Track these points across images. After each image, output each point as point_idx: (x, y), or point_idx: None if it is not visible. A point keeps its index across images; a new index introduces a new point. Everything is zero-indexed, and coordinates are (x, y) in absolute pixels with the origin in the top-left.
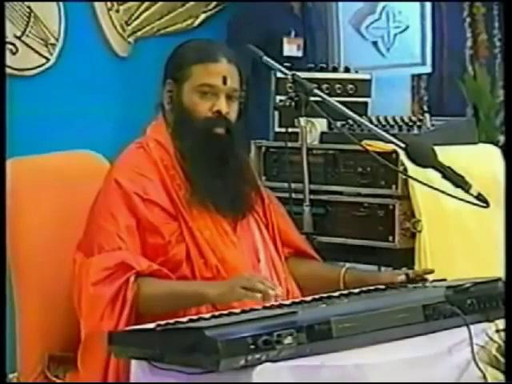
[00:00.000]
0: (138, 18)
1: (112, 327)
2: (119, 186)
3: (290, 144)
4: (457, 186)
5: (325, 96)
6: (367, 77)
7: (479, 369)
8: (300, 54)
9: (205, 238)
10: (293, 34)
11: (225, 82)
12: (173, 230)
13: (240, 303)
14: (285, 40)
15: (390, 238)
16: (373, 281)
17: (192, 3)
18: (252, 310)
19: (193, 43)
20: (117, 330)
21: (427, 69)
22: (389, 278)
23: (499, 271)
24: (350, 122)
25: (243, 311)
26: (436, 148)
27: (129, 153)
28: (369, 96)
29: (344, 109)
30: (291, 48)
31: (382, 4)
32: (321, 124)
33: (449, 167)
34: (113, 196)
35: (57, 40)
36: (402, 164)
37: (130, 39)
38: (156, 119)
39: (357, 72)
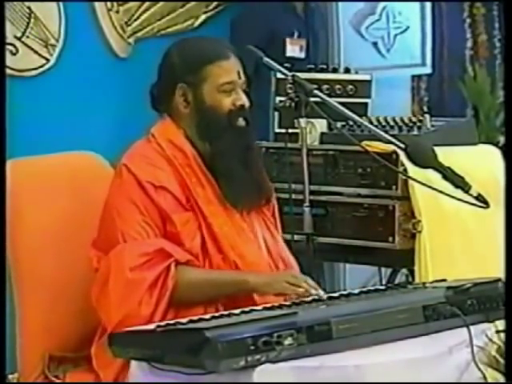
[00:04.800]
0: (138, 18)
1: (149, 313)
2: (132, 174)
3: (289, 145)
4: (457, 186)
5: (325, 97)
6: (367, 77)
7: (479, 369)
8: (302, 55)
9: (223, 234)
10: (296, 35)
11: (240, 77)
12: (184, 220)
13: (279, 298)
14: (287, 41)
15: (390, 239)
16: None
17: (192, 4)
18: (252, 310)
19: (193, 43)
20: (118, 331)
21: (427, 69)
22: None
23: (499, 272)
24: (350, 122)
25: (243, 312)
26: (436, 149)
27: (139, 146)
28: (369, 97)
29: (344, 109)
30: (294, 49)
31: (382, 5)
32: (321, 125)
33: (449, 168)
34: (130, 185)
35: (57, 41)
36: (402, 165)
37: (130, 40)
38: (161, 120)
39: (357, 73)
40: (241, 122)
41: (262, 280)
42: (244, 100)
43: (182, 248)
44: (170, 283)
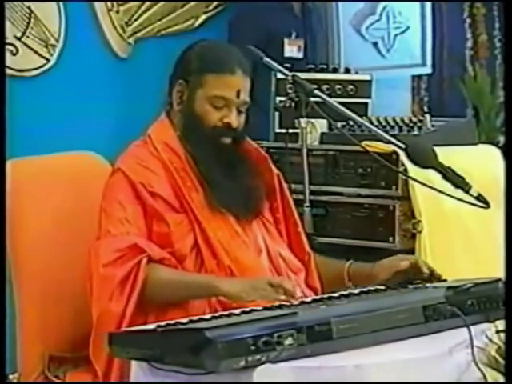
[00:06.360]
0: (138, 18)
1: (121, 309)
2: (124, 175)
3: (290, 145)
4: (457, 186)
5: (325, 97)
6: (367, 78)
7: (479, 370)
8: (300, 55)
9: (218, 239)
10: (294, 35)
11: (238, 96)
12: (177, 221)
13: (254, 304)
14: (285, 41)
15: (391, 239)
16: (376, 271)
17: (192, 4)
18: (252, 310)
19: (210, 47)
20: (117, 331)
21: (427, 69)
22: (392, 264)
23: (499, 272)
24: (351, 122)
25: (243, 312)
26: (436, 149)
27: (134, 148)
28: (369, 97)
29: (344, 109)
30: (292, 49)
31: (382, 5)
32: (321, 125)
33: (449, 168)
34: (118, 185)
35: (57, 41)
36: (403, 165)
37: (130, 40)
38: (158, 120)
39: (357, 73)
40: (225, 140)
41: (237, 287)
42: (232, 119)
43: (171, 248)
44: (141, 278)
